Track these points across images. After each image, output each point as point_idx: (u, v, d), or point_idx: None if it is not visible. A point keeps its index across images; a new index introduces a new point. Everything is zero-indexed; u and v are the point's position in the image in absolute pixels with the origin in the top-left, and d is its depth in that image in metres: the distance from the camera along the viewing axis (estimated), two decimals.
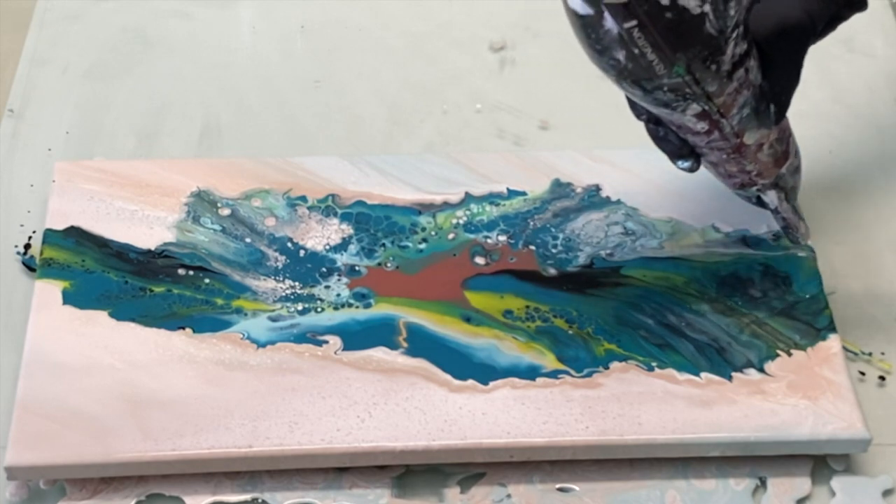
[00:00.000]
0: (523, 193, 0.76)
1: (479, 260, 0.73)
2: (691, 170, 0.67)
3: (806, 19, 0.63)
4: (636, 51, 0.57)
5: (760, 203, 0.70)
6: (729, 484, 0.66)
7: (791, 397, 0.67)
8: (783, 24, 0.62)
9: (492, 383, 0.67)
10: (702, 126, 0.63)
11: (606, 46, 0.57)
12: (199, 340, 0.69)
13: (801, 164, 0.70)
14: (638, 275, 0.72)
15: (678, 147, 0.66)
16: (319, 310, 0.70)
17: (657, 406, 0.66)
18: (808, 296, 0.71)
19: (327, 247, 0.74)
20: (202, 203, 0.75)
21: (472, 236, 0.74)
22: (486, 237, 0.74)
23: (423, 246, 0.74)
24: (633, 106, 0.65)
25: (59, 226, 0.74)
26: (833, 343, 0.69)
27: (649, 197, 0.76)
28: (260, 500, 0.65)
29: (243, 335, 0.69)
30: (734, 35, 0.59)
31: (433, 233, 0.74)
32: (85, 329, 0.69)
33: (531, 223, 0.75)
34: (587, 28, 0.57)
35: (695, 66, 0.58)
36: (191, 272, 0.72)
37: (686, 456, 0.66)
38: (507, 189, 0.77)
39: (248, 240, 0.74)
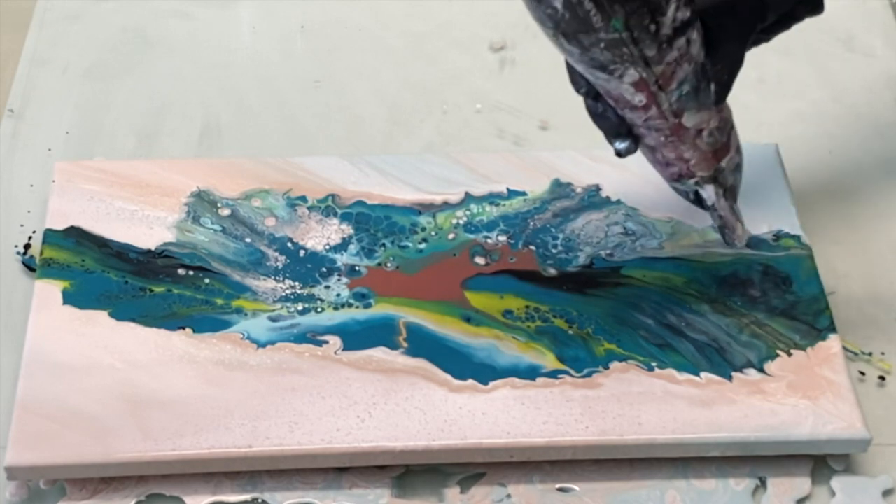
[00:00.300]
0: (523, 193, 0.76)
1: (479, 260, 0.73)
2: (628, 151, 0.65)
3: (757, 1, 0.62)
4: None
5: (698, 200, 0.68)
6: (729, 484, 0.66)
7: (791, 397, 0.67)
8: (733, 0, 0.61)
9: (492, 383, 0.67)
10: (639, 99, 0.62)
11: None
12: (199, 340, 0.69)
13: (742, 163, 0.68)
14: (638, 275, 0.72)
15: (616, 125, 0.64)
16: (319, 310, 0.70)
17: (657, 406, 0.66)
18: (808, 296, 0.71)
19: (327, 247, 0.74)
20: (202, 203, 0.75)
21: (472, 236, 0.74)
22: (486, 237, 0.74)
23: (423, 246, 0.74)
24: (573, 78, 0.64)
25: (59, 226, 0.74)
26: (833, 343, 0.69)
27: (649, 197, 0.76)
28: (260, 500, 0.65)
29: (243, 335, 0.69)
30: None
31: (433, 233, 0.74)
32: (85, 329, 0.69)
33: (531, 223, 0.75)
34: None
35: (633, 22, 0.57)
36: (191, 272, 0.72)
37: (686, 456, 0.66)
38: (507, 189, 0.76)
39: (248, 240, 0.74)
